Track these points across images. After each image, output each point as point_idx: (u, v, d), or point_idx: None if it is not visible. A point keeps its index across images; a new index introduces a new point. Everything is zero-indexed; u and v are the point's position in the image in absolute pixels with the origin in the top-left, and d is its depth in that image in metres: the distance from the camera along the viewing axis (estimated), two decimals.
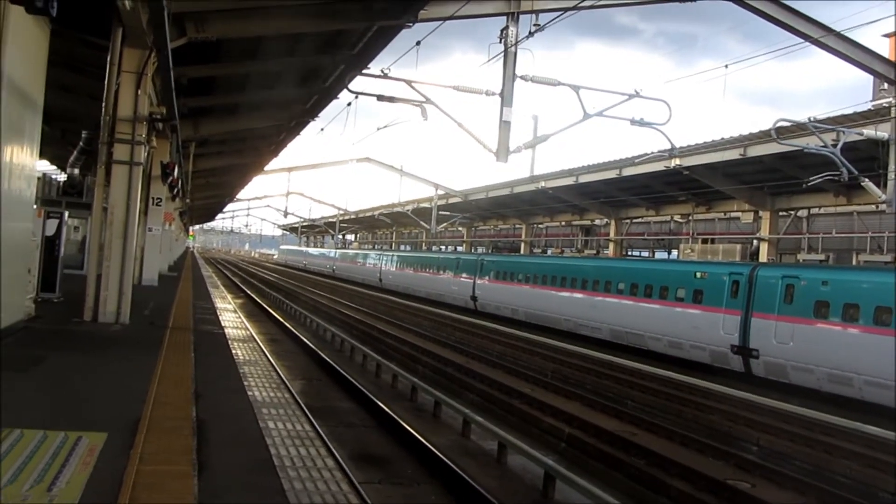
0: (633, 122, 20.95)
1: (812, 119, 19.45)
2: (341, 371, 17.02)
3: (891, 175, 17.87)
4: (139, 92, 14.55)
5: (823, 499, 10.22)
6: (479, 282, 39.03)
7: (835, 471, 11.91)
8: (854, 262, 26.82)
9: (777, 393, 17.97)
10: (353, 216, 78.76)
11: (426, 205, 52.55)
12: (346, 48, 17.60)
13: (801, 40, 16.07)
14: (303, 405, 10.17)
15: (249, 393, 10.06)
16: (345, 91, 20.91)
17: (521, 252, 47.97)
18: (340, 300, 41.99)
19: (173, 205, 33.64)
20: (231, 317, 21.92)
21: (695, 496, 9.88)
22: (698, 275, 23.43)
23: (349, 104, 24.88)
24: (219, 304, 25.33)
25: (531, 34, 17.22)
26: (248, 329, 19.78)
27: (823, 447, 13.21)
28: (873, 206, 23.57)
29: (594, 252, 42.00)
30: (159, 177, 23.64)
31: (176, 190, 28.42)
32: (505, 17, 17.12)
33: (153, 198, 25.56)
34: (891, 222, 23.83)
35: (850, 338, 17.93)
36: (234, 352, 14.23)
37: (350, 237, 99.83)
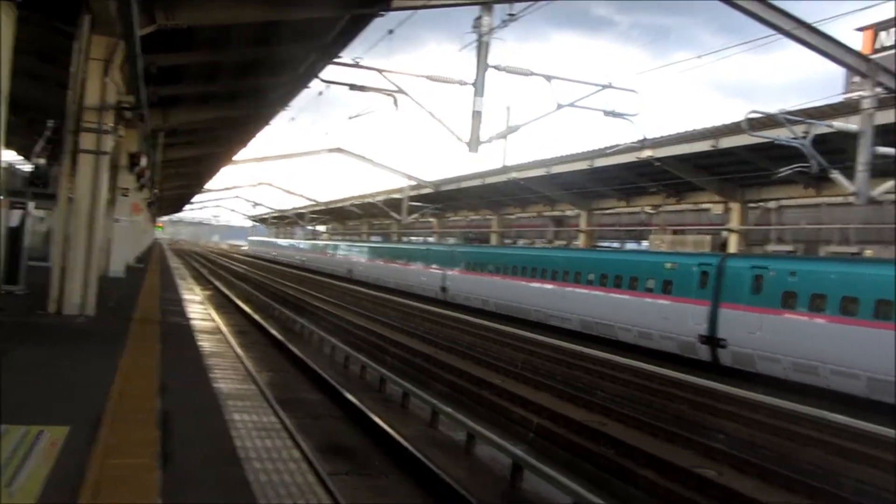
0: (606, 113, 21.02)
1: (783, 111, 19.64)
2: (309, 363, 16.94)
3: (860, 167, 18.08)
4: (107, 80, 14.28)
5: (788, 485, 10.36)
6: (449, 273, 39.05)
7: (800, 458, 12.08)
8: (822, 254, 27.17)
9: (744, 382, 18.17)
10: (323, 207, 78.29)
11: (397, 195, 52.39)
12: (319, 37, 17.42)
13: (775, 33, 16.15)
14: (269, 397, 10.09)
15: (216, 385, 9.94)
16: (316, 80, 20.74)
17: (492, 243, 48.04)
18: (309, 291, 41.79)
19: (141, 195, 33.16)
20: (198, 308, 21.69)
21: (662, 484, 9.96)
22: (668, 266, 23.63)
23: (320, 93, 24.72)
24: (186, 295, 25.05)
25: (505, 24, 17.18)
26: (215, 321, 19.59)
27: (789, 435, 13.40)
28: (842, 198, 23.85)
29: (565, 243, 42.16)
30: (127, 167, 23.30)
31: (144, 180, 28.03)
32: (479, 7, 17.05)
33: (120, 188, 25.18)
34: (858, 214, 24.16)
35: (817, 328, 18.19)
36: (200, 344, 14.06)
37: (321, 228, 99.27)
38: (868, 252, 25.60)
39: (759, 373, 19.23)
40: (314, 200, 79.28)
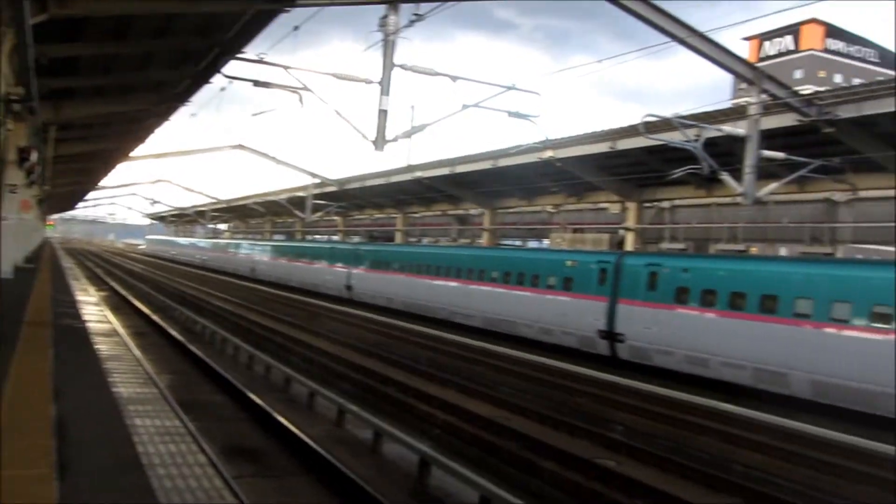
0: (510, 114, 21.38)
1: (677, 115, 20.47)
2: (211, 364, 16.61)
3: (746, 169, 19.00)
4: None
5: (683, 473, 10.82)
6: (354, 271, 38.91)
7: (694, 447, 12.64)
8: (712, 251, 28.35)
9: (641, 375, 18.82)
10: (225, 205, 76.53)
11: (302, 193, 51.76)
12: (221, 31, 17.05)
13: (669, 39, 16.78)
14: (171, 400, 9.88)
15: (115, 389, 9.67)
16: (218, 75, 20.27)
17: (397, 241, 48.10)
18: (211, 291, 40.87)
19: (31, 192, 31.71)
20: (94, 310, 20.96)
21: (563, 475, 10.26)
22: (568, 263, 24.24)
23: (223, 89, 24.15)
24: (80, 297, 24.14)
25: (411, 23, 17.23)
26: (112, 323, 18.99)
27: (685, 426, 13.99)
28: (730, 199, 24.91)
29: (469, 241, 42.60)
30: (16, 162, 22.24)
31: (34, 176, 26.82)
32: (385, 6, 17.04)
33: (8, 185, 24.02)
34: (745, 214, 25.31)
35: (708, 322, 19.04)
36: (97, 347, 13.62)
37: (223, 226, 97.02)
38: (753, 249, 26.94)
39: (656, 365, 19.97)
40: (216, 198, 77.43)
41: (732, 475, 10.81)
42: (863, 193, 22.56)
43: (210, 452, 7.45)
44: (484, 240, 39.67)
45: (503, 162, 31.23)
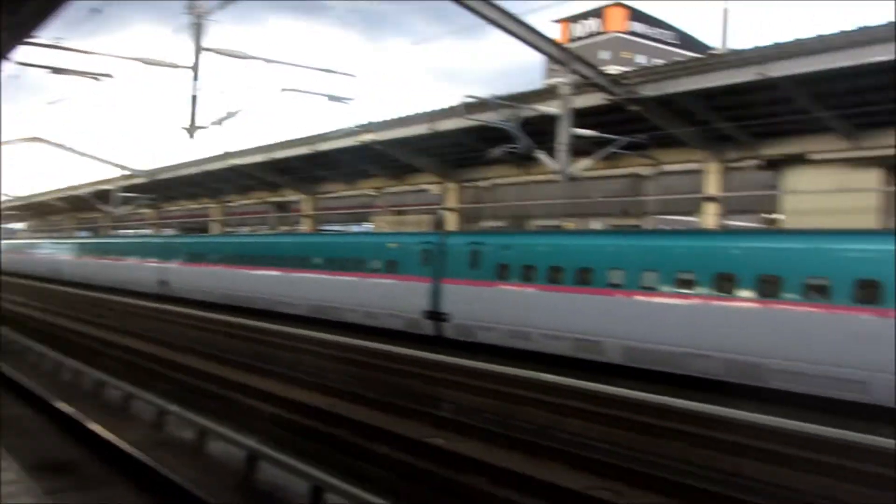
0: (329, 97, 21.09)
1: (494, 96, 20.94)
2: (10, 373, 15.22)
3: (560, 147, 19.75)
4: None
5: (510, 444, 11.09)
6: (167, 265, 37.21)
7: (519, 418, 13.03)
8: (531, 228, 29.35)
9: (468, 353, 19.18)
10: (22, 202, 70.63)
11: (108, 187, 48.67)
12: (10, 13, 15.54)
13: (483, 21, 17.04)
14: None
15: None
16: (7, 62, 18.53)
17: (213, 232, 46.41)
18: (8, 296, 37.64)
19: None
20: None
21: (394, 457, 10.25)
22: (390, 246, 24.31)
23: (13, 77, 22.21)
24: None
25: (221, 6, 16.55)
26: None
27: (510, 399, 14.37)
28: (545, 176, 25.82)
29: (289, 229, 41.80)
30: None
31: None
32: None
33: None
34: (561, 190, 26.31)
35: (528, 296, 19.69)
36: None
37: (19, 226, 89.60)
38: (570, 224, 28.20)
39: (481, 342, 20.43)
40: (9, 195, 71.25)
41: (555, 442, 11.24)
42: (666, 168, 24.07)
43: (18, 469, 6.78)
44: (305, 226, 39.03)
45: (322, 146, 30.79)
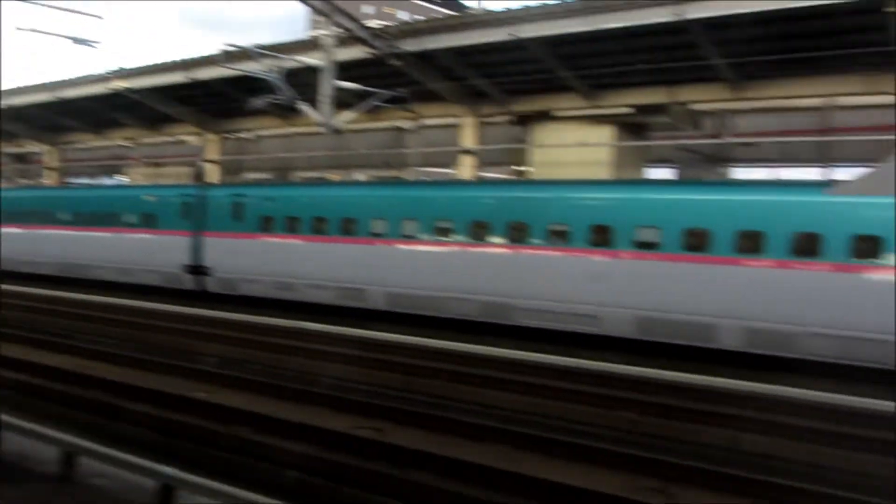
0: (75, 40, 19.56)
1: (257, 45, 20.40)
2: None
3: (323, 99, 19.71)
4: None
5: (277, 393, 11.17)
6: None
7: (284, 367, 13.16)
8: (295, 180, 29.09)
9: (233, 306, 18.88)
10: None
11: None
12: None
13: None
14: None
15: None
16: None
17: None
18: None
19: None
20: None
21: (155, 414, 9.99)
22: (147, 199, 23.19)
23: None
24: None
25: None
26: None
27: (274, 348, 14.41)
28: (311, 128, 25.63)
29: (31, 183, 38.38)
30: None
31: None
32: None
33: None
34: (325, 142, 26.24)
35: (292, 247, 19.71)
36: None
37: None
38: (333, 176, 28.30)
39: (244, 294, 20.19)
40: None
41: (318, 387, 11.53)
42: (426, 121, 24.80)
43: None
44: (48, 179, 35.99)
45: (66, 93, 28.43)
